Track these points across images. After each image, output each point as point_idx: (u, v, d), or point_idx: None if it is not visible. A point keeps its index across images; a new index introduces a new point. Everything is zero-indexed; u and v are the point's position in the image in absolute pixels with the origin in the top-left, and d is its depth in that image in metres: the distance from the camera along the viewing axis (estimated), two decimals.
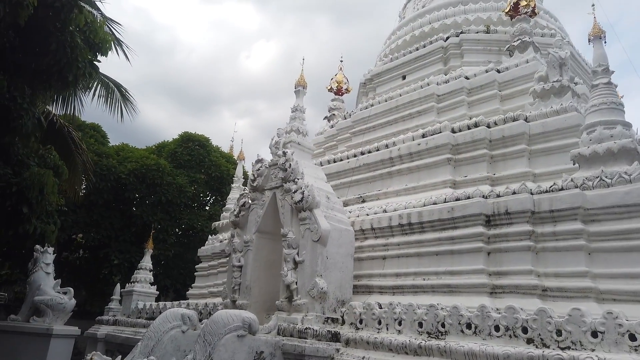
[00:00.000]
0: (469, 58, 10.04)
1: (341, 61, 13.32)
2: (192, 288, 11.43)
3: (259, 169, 7.52)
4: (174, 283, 15.46)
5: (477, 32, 10.22)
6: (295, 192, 6.68)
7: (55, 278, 12.36)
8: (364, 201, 8.64)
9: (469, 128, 7.79)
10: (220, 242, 11.15)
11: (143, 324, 9.92)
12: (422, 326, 5.30)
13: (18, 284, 21.94)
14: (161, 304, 9.96)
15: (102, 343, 10.65)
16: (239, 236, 7.54)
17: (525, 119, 7.35)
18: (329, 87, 13.03)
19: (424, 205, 6.82)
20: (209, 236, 12.13)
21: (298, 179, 6.78)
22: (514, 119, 7.44)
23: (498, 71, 8.88)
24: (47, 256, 12.35)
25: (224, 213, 12.13)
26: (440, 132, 8.00)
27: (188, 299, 13.40)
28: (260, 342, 5.68)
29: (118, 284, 12.03)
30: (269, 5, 71.78)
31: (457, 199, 6.44)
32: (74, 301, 12.01)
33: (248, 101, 69.79)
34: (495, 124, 7.62)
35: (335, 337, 5.93)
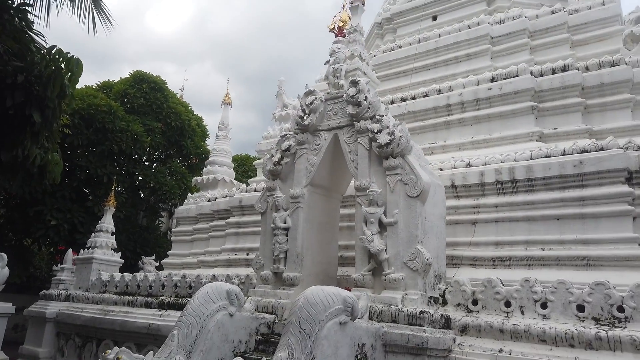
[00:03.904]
0: None
1: None
2: (169, 256, 9.31)
3: (311, 103, 5.69)
4: (122, 250, 12.97)
5: None
6: (378, 132, 5.02)
7: None
8: None
9: (554, 72, 6.57)
10: (209, 201, 9.14)
11: (114, 301, 7.75)
12: (585, 310, 4.03)
13: None
14: (139, 275, 7.83)
15: (52, 324, 8.31)
16: (282, 190, 5.75)
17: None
18: (331, 27, 11.12)
19: (531, 158, 5.51)
20: (189, 194, 10.00)
21: (381, 116, 5.12)
22: (613, 64, 6.32)
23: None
24: None
25: (208, 167, 10.01)
26: (518, 76, 6.72)
27: (142, 268, 11.32)
28: (362, 331, 4.09)
29: (70, 250, 9.54)
30: None
31: (584, 151, 5.19)
32: (7, 270, 9.32)
33: (154, 62, 65.15)
34: (587, 69, 6.47)
35: (447, 324, 4.50)
